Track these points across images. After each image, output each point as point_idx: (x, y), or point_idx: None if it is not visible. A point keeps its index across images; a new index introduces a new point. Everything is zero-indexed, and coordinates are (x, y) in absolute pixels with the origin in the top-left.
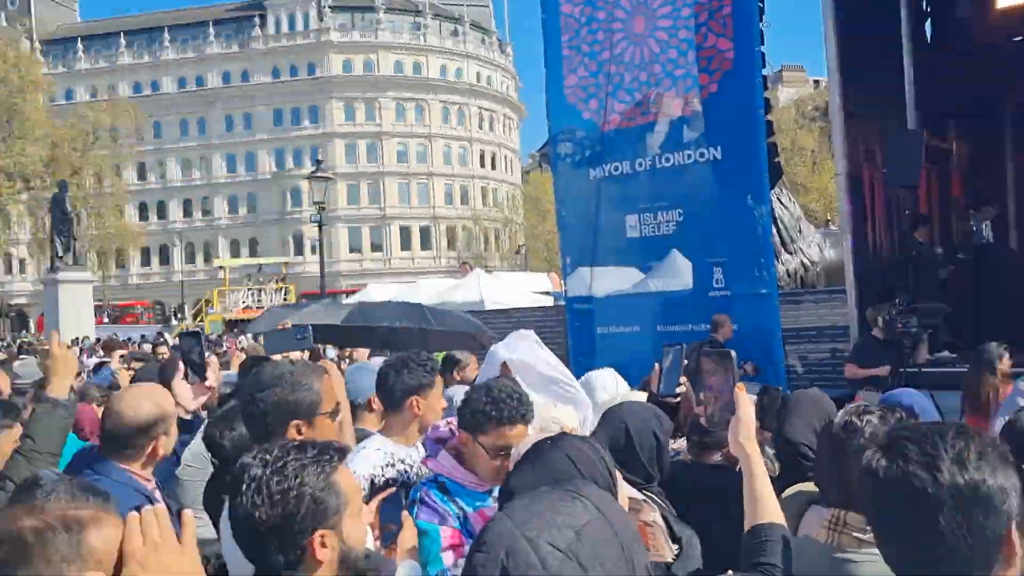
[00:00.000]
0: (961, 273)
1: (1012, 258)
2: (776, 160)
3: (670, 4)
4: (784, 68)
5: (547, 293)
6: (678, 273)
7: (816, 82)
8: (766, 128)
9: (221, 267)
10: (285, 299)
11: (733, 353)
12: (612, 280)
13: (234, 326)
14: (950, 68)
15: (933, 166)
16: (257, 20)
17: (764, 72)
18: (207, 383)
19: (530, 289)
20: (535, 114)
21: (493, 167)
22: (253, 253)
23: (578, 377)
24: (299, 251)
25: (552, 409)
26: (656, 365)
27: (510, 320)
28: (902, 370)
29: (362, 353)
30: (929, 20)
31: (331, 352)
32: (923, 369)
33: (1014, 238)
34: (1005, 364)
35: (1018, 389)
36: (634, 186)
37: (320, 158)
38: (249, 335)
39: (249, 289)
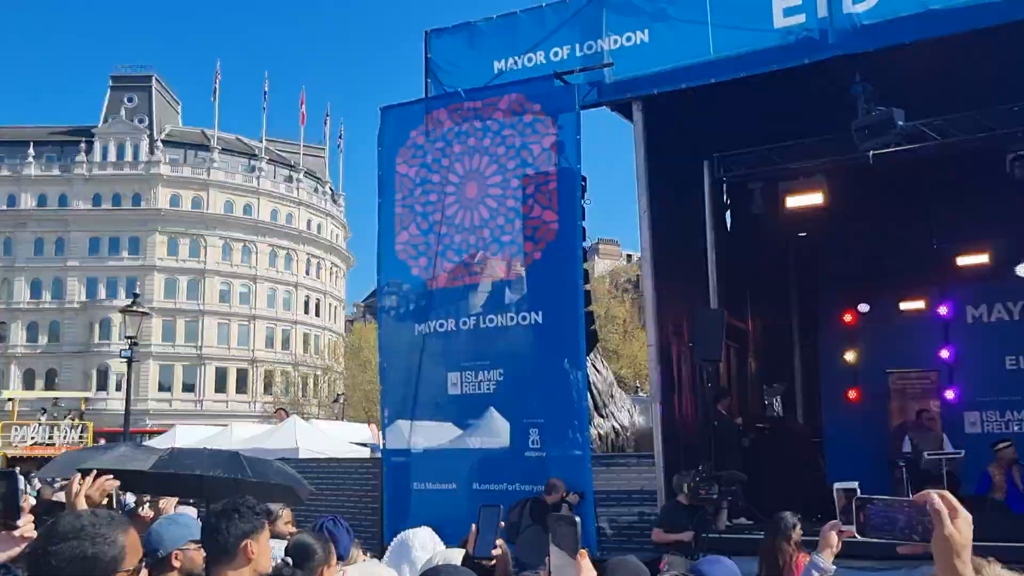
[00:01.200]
0: (757, 443)
1: (799, 430)
2: (592, 327)
3: (500, 174)
4: (600, 241)
5: (365, 444)
6: (496, 432)
7: (629, 256)
8: (585, 297)
9: (10, 399)
10: (82, 436)
11: (578, 519)
12: (430, 434)
13: (17, 463)
14: (746, 255)
15: (733, 343)
16: (83, 146)
17: (584, 244)
18: (20, 532)
19: (348, 439)
20: (363, 264)
21: (317, 314)
22: (50, 385)
23: (393, 534)
24: (103, 386)
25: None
26: (473, 526)
27: (324, 470)
28: (704, 535)
29: (170, 502)
30: (729, 212)
31: (130, 499)
32: (723, 535)
33: (800, 413)
34: (797, 533)
35: (814, 563)
36: (457, 343)
37: (137, 291)
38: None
39: (41, 424)
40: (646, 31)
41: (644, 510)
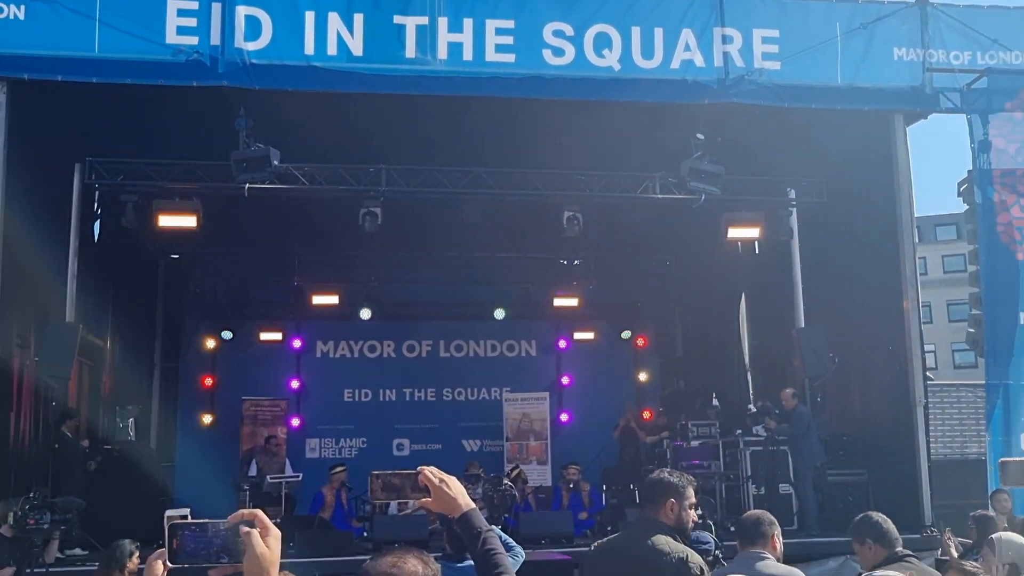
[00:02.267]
0: (105, 467)
1: (149, 454)
2: None
3: None
4: None
5: None
6: None
7: None
8: None
9: None
10: None
11: None
12: None
13: None
14: (112, 270)
15: (87, 361)
16: None
17: None
18: None
19: None
20: None
21: None
22: None
23: None
24: None
25: None
26: None
27: None
28: (28, 571)
29: None
30: (99, 221)
31: None
32: (50, 568)
33: (154, 436)
34: (134, 562)
35: None
36: None
37: None
38: None
39: None
40: (23, 7)
41: None
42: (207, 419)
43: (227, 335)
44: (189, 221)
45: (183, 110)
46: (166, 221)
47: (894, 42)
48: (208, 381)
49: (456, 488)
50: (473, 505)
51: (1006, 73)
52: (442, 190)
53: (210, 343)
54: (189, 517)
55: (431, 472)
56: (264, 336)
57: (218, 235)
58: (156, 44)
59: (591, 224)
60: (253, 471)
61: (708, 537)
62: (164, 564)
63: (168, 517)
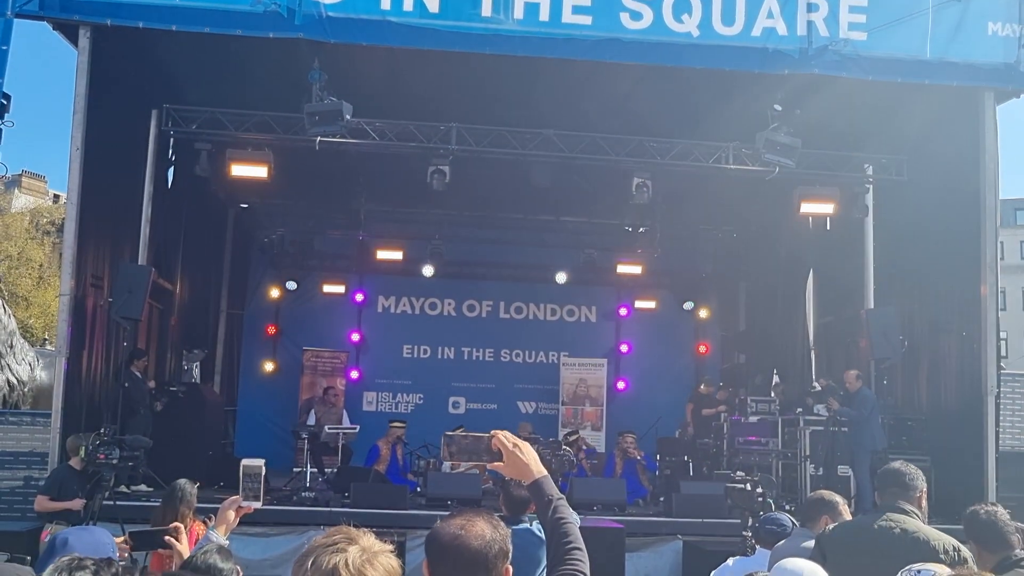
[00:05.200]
0: (170, 409)
1: (213, 398)
2: None
3: None
4: (24, 173)
5: None
6: None
7: (57, 196)
8: None
9: None
10: None
11: None
12: None
13: None
14: (183, 216)
15: (157, 303)
16: None
17: (2, 174)
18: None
19: None
20: None
21: None
22: None
23: None
24: None
25: None
26: None
27: None
28: (99, 503)
29: None
30: (172, 168)
31: None
32: (118, 502)
33: (218, 380)
34: (191, 501)
35: (208, 538)
36: None
37: None
38: None
39: None
40: None
41: (33, 474)
42: (269, 367)
43: (291, 285)
44: (260, 171)
45: (259, 61)
46: (238, 171)
47: (989, 16)
48: (271, 330)
49: (529, 454)
50: (545, 472)
51: None
52: (511, 151)
53: (274, 293)
54: (264, 469)
55: (505, 437)
56: (327, 288)
57: (288, 187)
58: None
59: (660, 192)
60: (312, 420)
61: (786, 520)
62: (237, 511)
63: (245, 465)
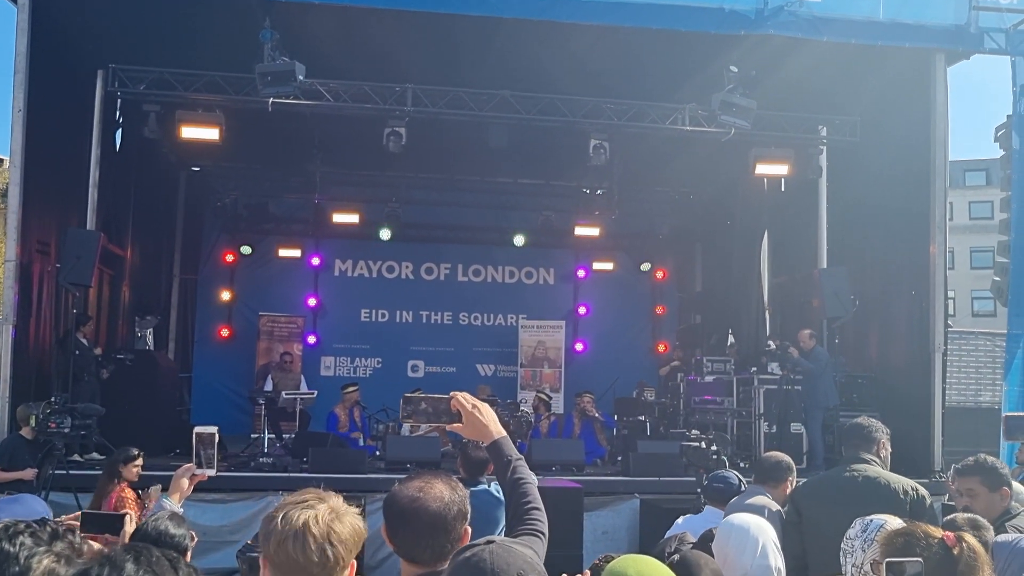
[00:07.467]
0: (120, 375)
1: (167, 364)
2: None
3: None
4: None
5: None
6: None
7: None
8: None
9: None
10: None
11: None
12: None
13: None
14: (133, 179)
15: (107, 269)
16: None
17: None
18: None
19: None
20: None
21: None
22: None
23: None
24: None
25: None
26: None
27: None
28: (51, 472)
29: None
30: (120, 130)
31: None
32: (71, 472)
33: (172, 347)
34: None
35: (160, 505)
36: None
37: None
38: None
39: None
40: None
41: None
42: (224, 332)
43: (246, 250)
44: (212, 133)
45: (209, 20)
46: (188, 132)
47: None
48: (226, 295)
49: (488, 415)
50: (504, 433)
51: None
52: (468, 112)
53: (229, 257)
54: (217, 435)
55: (464, 398)
56: (283, 252)
57: (240, 149)
58: None
59: (617, 154)
60: (269, 386)
61: (733, 477)
62: (191, 478)
63: (197, 432)
